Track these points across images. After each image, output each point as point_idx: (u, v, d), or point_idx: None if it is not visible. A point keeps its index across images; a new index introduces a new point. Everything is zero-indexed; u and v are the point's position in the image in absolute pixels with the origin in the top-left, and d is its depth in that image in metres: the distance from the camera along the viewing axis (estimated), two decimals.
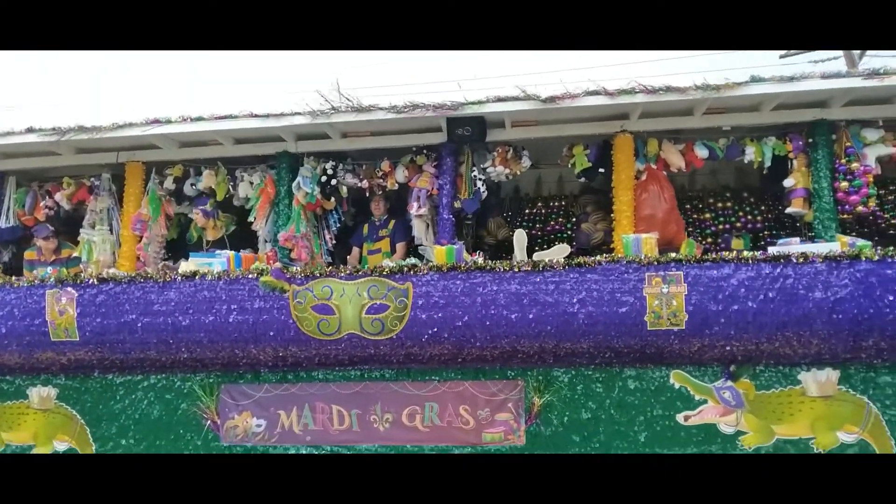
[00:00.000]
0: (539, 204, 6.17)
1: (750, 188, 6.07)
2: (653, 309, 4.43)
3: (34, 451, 5.38)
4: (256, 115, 4.98)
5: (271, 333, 4.79)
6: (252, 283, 4.83)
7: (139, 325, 4.90)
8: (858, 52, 13.18)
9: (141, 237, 5.53)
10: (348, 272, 4.76)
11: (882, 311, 4.25)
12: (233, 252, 5.12)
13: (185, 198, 5.74)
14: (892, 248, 4.31)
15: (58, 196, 5.73)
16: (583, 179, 5.37)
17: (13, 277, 5.20)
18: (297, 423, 5.09)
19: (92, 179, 5.70)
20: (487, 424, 4.90)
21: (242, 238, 5.81)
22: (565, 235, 6.04)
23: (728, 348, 4.50)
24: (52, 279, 5.04)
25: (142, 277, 4.95)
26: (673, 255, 4.54)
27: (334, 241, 5.65)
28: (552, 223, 6.03)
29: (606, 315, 4.47)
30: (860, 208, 4.82)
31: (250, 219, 5.47)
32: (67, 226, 6.04)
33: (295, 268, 4.87)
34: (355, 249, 5.67)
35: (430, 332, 4.63)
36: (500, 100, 4.73)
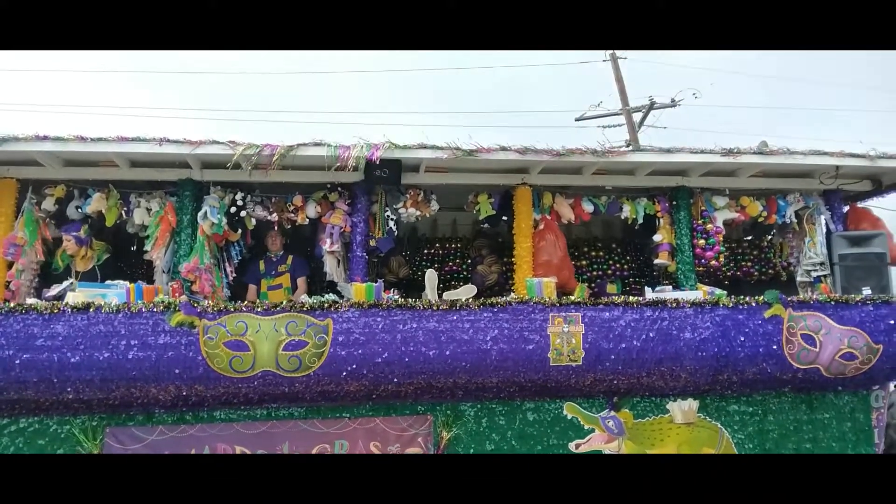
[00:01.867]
0: (437, 245, 6.48)
1: (616, 240, 6.90)
2: (555, 346, 4.89)
3: None
4: (169, 141, 4.75)
5: (177, 371, 4.52)
6: (157, 317, 4.54)
7: (17, 361, 4.37)
8: (639, 119, 15.61)
9: (12, 263, 4.93)
10: (265, 307, 4.67)
11: (735, 350, 5.10)
12: (132, 283, 4.76)
13: (66, 221, 5.23)
14: (742, 296, 5.20)
15: None
16: (486, 225, 5.78)
17: None
18: None
19: None
20: None
21: (115, 269, 5.42)
22: (462, 276, 6.39)
23: (615, 381, 5.09)
24: None
25: (22, 308, 4.43)
26: (573, 297, 5.07)
27: (234, 275, 5.47)
28: (450, 264, 6.35)
29: (515, 352, 4.85)
30: (713, 262, 5.75)
31: (147, 247, 5.13)
32: None
33: (206, 302, 4.66)
34: (251, 287, 5.55)
35: (349, 368, 4.68)
36: (423, 147, 4.99)
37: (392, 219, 5.46)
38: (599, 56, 16.10)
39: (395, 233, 5.47)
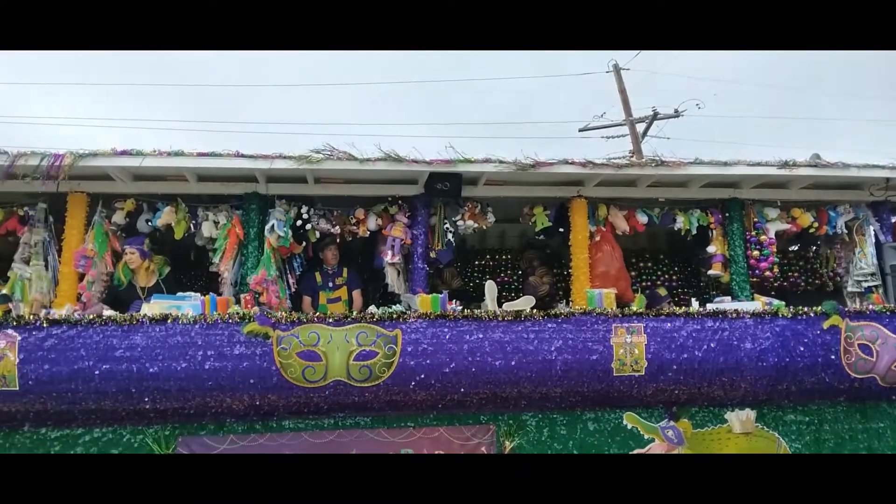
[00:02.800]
0: (487, 256, 6.57)
1: (662, 251, 6.97)
2: (618, 357, 4.96)
3: None
4: (243, 156, 4.87)
5: (251, 381, 4.61)
6: (232, 328, 4.63)
7: (96, 372, 4.47)
8: (643, 129, 15.74)
9: (83, 275, 5.04)
10: (336, 318, 4.76)
11: (795, 360, 5.15)
12: (208, 294, 4.86)
13: (135, 234, 5.35)
14: (800, 307, 5.25)
15: None
16: (541, 237, 5.86)
17: None
18: None
19: (25, 209, 5.12)
20: None
21: (177, 282, 5.53)
22: (513, 287, 6.47)
23: (676, 392, 5.14)
24: None
25: (101, 320, 4.53)
26: (634, 308, 5.14)
27: (296, 286, 5.57)
28: (501, 275, 6.43)
29: (579, 362, 4.92)
30: (767, 273, 5.81)
31: (215, 260, 5.23)
32: None
33: (279, 313, 4.76)
34: (306, 298, 5.64)
35: (417, 378, 4.76)
36: (487, 160, 5.09)
37: (450, 231, 5.55)
38: (602, 67, 16.26)
39: (453, 244, 5.56)
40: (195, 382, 4.56)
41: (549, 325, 4.94)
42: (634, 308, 5.21)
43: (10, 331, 4.43)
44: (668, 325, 5.07)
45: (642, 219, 5.83)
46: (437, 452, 5.06)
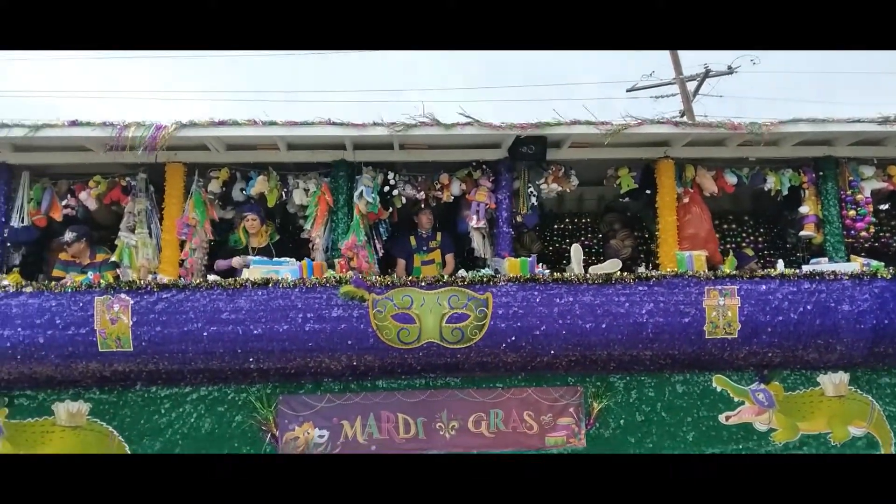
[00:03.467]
0: (566, 220, 6.53)
1: (747, 212, 6.79)
2: (711, 319, 4.91)
3: None
4: (334, 123, 4.95)
5: (349, 342, 4.77)
6: (330, 292, 4.78)
7: (205, 334, 4.69)
8: (693, 88, 15.09)
9: (183, 242, 5.26)
10: (428, 282, 4.85)
11: (893, 322, 5.00)
12: (305, 259, 5.02)
13: (229, 202, 5.53)
14: None
15: (83, 195, 5.30)
16: (626, 199, 5.79)
17: (53, 283, 4.78)
18: (362, 433, 5.07)
19: (127, 179, 5.34)
20: (550, 429, 5.16)
21: (279, 247, 5.68)
22: (594, 251, 6.44)
23: (769, 355, 5.08)
24: (101, 284, 4.69)
25: (207, 284, 4.74)
26: (726, 270, 5.07)
27: (383, 251, 5.68)
28: (582, 238, 6.40)
29: (671, 325, 4.90)
30: (863, 233, 5.61)
31: (307, 226, 5.37)
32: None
33: (374, 276, 4.88)
34: (400, 261, 5.72)
35: (508, 340, 4.83)
36: (576, 122, 5.04)
37: (534, 194, 5.54)
38: None
39: (538, 208, 5.55)
40: (296, 344, 4.74)
41: (640, 288, 4.92)
42: (726, 270, 5.14)
43: (123, 295, 4.68)
44: (763, 287, 4.98)
45: (731, 179, 5.69)
46: (526, 413, 5.16)
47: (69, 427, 4.97)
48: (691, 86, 15.18)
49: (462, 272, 5.04)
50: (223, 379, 4.99)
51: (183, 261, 5.25)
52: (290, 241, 5.93)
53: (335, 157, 5.43)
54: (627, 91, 16.36)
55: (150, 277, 4.99)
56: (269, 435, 5.00)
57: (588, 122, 5.05)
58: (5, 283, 4.71)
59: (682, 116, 14.48)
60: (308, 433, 5.04)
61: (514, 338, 4.82)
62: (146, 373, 4.86)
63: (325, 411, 5.08)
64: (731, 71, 15.07)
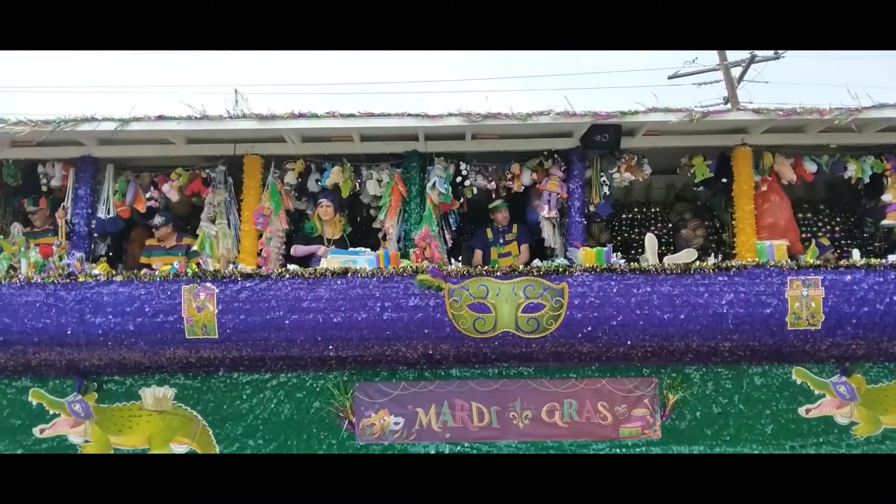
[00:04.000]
0: (634, 209, 6.46)
1: (822, 201, 6.60)
2: (793, 310, 4.80)
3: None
4: (411, 115, 4.99)
5: (426, 331, 4.82)
6: (407, 281, 4.84)
7: (286, 322, 4.80)
8: (738, 74, 14.55)
9: (261, 232, 5.38)
10: (504, 272, 4.87)
11: None
12: (382, 249, 5.10)
13: (305, 194, 5.63)
14: None
15: (165, 187, 5.47)
16: (700, 188, 5.69)
17: (142, 272, 4.95)
18: (436, 421, 5.13)
19: (207, 171, 5.49)
20: (625, 420, 5.13)
21: (351, 238, 5.76)
22: (664, 240, 6.34)
23: (853, 346, 4.94)
24: (188, 274, 4.85)
25: (289, 273, 4.85)
26: (808, 260, 4.94)
27: (452, 241, 5.71)
28: (652, 228, 6.32)
29: (752, 316, 4.80)
30: None
31: (381, 217, 5.44)
32: None
33: (450, 266, 4.92)
34: (477, 252, 5.73)
35: (584, 330, 4.81)
36: (654, 110, 4.97)
37: (606, 184, 5.49)
38: None
39: (610, 198, 5.51)
40: (374, 332, 4.82)
41: (720, 279, 4.84)
42: (808, 260, 5.01)
43: (208, 284, 4.82)
44: (848, 277, 4.84)
45: (810, 167, 5.54)
46: (599, 404, 5.14)
47: (155, 411, 5.16)
48: (735, 72, 14.79)
49: (537, 262, 5.04)
50: (302, 366, 5.10)
51: (260, 250, 5.38)
52: (359, 232, 6.01)
53: (407, 148, 5.48)
54: (669, 78, 16.04)
55: (230, 267, 5.12)
56: (346, 422, 5.10)
57: (667, 110, 4.97)
58: (96, 272, 4.90)
59: (725, 103, 14.13)
60: (384, 420, 5.13)
61: (590, 328, 4.81)
62: (229, 359, 5.00)
63: (400, 399, 5.16)
64: (777, 56, 14.60)
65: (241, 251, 5.37)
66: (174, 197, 5.50)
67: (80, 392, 5.10)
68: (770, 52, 14.45)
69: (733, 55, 14.46)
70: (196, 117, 4.92)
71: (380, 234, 5.79)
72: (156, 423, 5.15)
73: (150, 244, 5.57)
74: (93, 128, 5.03)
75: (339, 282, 4.84)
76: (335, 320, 4.80)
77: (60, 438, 5.15)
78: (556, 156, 5.50)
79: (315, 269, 4.87)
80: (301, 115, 4.97)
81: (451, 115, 5.00)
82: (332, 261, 5.03)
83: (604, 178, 5.48)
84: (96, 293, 4.83)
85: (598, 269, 4.86)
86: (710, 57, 15.04)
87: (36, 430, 5.15)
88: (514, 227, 5.68)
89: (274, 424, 5.11)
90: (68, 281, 4.83)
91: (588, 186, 5.51)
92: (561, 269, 4.86)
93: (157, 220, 5.46)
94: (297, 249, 5.49)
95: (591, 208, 5.44)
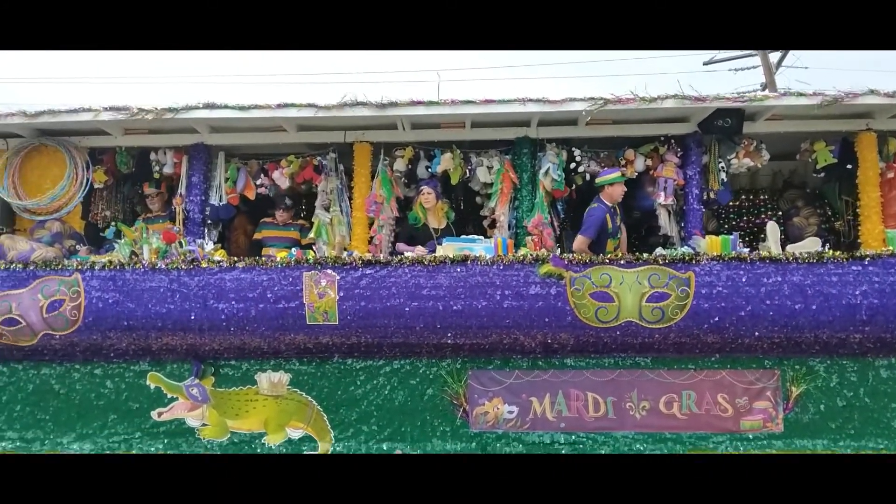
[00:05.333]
0: (742, 197, 6.28)
1: None
2: None
3: (265, 440, 5.19)
4: (529, 100, 4.91)
5: (546, 320, 4.76)
6: (527, 269, 4.77)
7: (406, 309, 4.79)
8: (777, 59, 13.98)
9: (372, 219, 5.37)
10: (627, 260, 4.77)
11: None
12: (499, 237, 5.04)
13: (413, 181, 5.59)
14: None
15: (275, 174, 5.49)
16: (821, 174, 5.50)
17: (263, 258, 4.98)
18: (551, 410, 5.08)
19: (318, 159, 5.49)
20: (746, 412, 5.00)
21: (456, 227, 5.71)
22: None
23: None
24: (309, 260, 4.86)
25: (409, 261, 4.82)
26: None
27: (560, 229, 5.62)
28: (763, 216, 6.14)
29: (886, 307, 4.62)
30: None
31: (491, 204, 5.38)
32: (271, 207, 5.85)
33: (570, 254, 4.84)
34: (580, 238, 5.57)
35: (711, 321, 4.69)
36: (787, 93, 4.81)
37: (724, 170, 5.33)
38: None
39: (729, 185, 5.35)
40: (494, 320, 4.77)
41: (854, 268, 4.66)
42: None
43: (329, 270, 4.83)
44: None
45: None
46: (720, 396, 5.02)
47: (271, 396, 5.21)
48: (774, 57, 14.29)
49: (660, 250, 4.92)
50: (416, 353, 5.09)
51: (372, 237, 5.37)
52: (462, 220, 5.96)
53: (518, 134, 5.39)
54: (705, 64, 15.64)
55: (344, 254, 5.12)
56: (460, 409, 5.08)
57: (800, 94, 4.79)
58: (218, 258, 4.94)
59: (763, 90, 13.68)
60: (497, 408, 5.09)
61: (717, 318, 4.68)
62: (347, 346, 5.02)
63: (514, 387, 5.12)
64: None
65: (353, 238, 5.37)
66: (284, 184, 5.51)
67: (197, 376, 5.17)
68: None
69: None
70: (317, 105, 4.90)
71: (485, 223, 5.75)
72: (271, 407, 5.20)
73: (265, 220, 5.66)
74: (213, 115, 5.06)
75: (459, 269, 4.80)
76: (455, 308, 4.77)
77: (178, 422, 5.23)
78: (672, 141, 5.36)
79: (434, 257, 4.84)
80: (418, 103, 4.92)
81: (572, 99, 4.90)
82: (447, 248, 4.99)
83: (721, 164, 5.33)
84: (219, 279, 4.87)
85: (725, 258, 4.73)
86: None
87: (154, 414, 5.24)
88: (617, 206, 5.44)
89: (388, 411, 5.12)
90: (192, 267, 4.88)
91: (705, 172, 5.36)
92: (687, 258, 4.73)
93: (287, 201, 5.61)
94: (400, 247, 5.44)
95: (711, 195, 5.29)
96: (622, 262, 4.76)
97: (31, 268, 4.96)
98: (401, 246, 5.42)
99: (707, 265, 4.72)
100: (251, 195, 5.61)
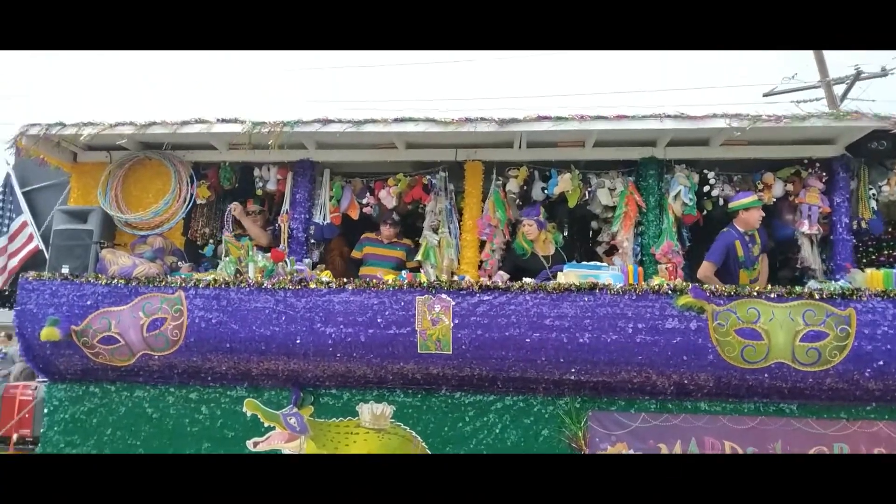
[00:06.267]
0: (890, 229, 5.70)
1: None
2: None
3: None
4: (657, 116, 4.53)
5: (684, 358, 4.30)
6: (663, 301, 4.33)
7: (527, 340, 4.40)
8: (842, 92, 13.16)
9: (483, 242, 5.03)
10: (777, 294, 4.28)
11: None
12: (631, 264, 4.63)
13: (527, 202, 5.25)
14: None
15: (382, 193, 5.23)
16: None
17: (374, 280, 4.68)
18: None
19: (428, 177, 5.21)
20: None
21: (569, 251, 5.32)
22: None
23: None
24: (421, 284, 4.53)
25: (530, 287, 4.44)
26: None
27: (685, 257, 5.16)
28: None
29: None
30: None
31: (613, 229, 4.97)
32: (371, 228, 5.58)
33: (712, 287, 4.38)
34: (706, 264, 5.08)
35: (875, 365, 4.15)
36: None
37: (874, 197, 4.82)
38: None
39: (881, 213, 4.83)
40: (625, 356, 4.34)
41: None
42: None
43: (444, 295, 4.48)
44: None
45: None
46: (876, 450, 4.43)
47: (373, 429, 4.85)
48: (838, 89, 13.53)
49: (813, 283, 4.42)
50: (531, 389, 4.68)
51: (482, 262, 5.02)
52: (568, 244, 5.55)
53: (643, 154, 5.01)
54: (765, 95, 14.92)
55: (455, 279, 4.78)
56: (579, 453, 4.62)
57: None
58: (325, 278, 4.67)
59: None
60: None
61: (882, 362, 4.14)
62: (458, 377, 4.64)
63: (640, 432, 4.63)
64: (884, 73, 13.22)
65: (462, 262, 5.04)
66: (390, 203, 5.24)
67: (296, 405, 4.87)
68: (876, 69, 13.21)
69: (836, 71, 13.30)
70: (435, 120, 4.63)
71: (598, 249, 5.35)
72: (373, 441, 4.84)
73: (367, 236, 5.39)
74: (327, 129, 4.83)
75: (586, 298, 4.39)
76: (581, 341, 4.35)
77: (274, 453, 4.92)
78: (816, 165, 4.88)
79: (559, 284, 4.44)
80: (544, 118, 4.59)
81: (714, 115, 4.49)
82: (569, 275, 4.60)
83: (872, 191, 4.81)
84: (327, 301, 4.58)
85: (891, 294, 4.19)
86: (809, 73, 13.91)
87: (249, 443, 4.94)
88: (756, 234, 4.95)
89: (499, 452, 4.69)
90: (300, 287, 4.61)
91: (853, 200, 4.85)
92: (847, 293, 4.22)
93: (395, 216, 5.34)
94: (499, 277, 5.05)
95: (863, 224, 4.77)
96: (772, 295, 4.27)
97: (134, 284, 4.78)
98: (501, 275, 5.02)
99: (870, 302, 4.19)
100: (354, 215, 5.36)
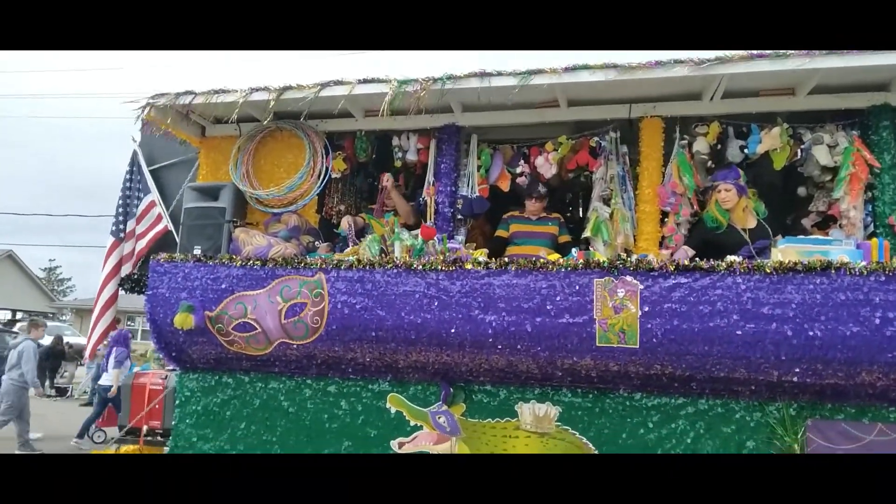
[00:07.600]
0: None
1: None
2: None
3: None
4: None
5: None
6: None
7: (738, 332, 3.55)
8: None
9: (665, 214, 4.21)
10: None
11: None
12: (875, 238, 3.69)
13: (723, 164, 4.35)
14: None
15: (538, 160, 4.51)
16: None
17: (542, 260, 3.97)
18: None
19: (596, 139, 4.44)
20: None
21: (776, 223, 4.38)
22: None
23: None
24: (603, 264, 3.77)
25: (743, 267, 3.58)
26: None
27: None
28: None
29: None
30: None
31: (837, 194, 4.01)
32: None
33: None
34: None
35: None
36: None
37: None
38: None
39: None
40: (870, 353, 3.42)
41: None
42: None
43: (629, 278, 3.71)
44: None
45: None
46: None
47: (535, 433, 4.18)
48: None
49: None
50: (733, 391, 3.84)
51: (664, 237, 4.20)
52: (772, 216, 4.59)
53: (872, 101, 4.00)
54: None
55: (633, 258, 3.99)
56: None
57: None
58: (482, 258, 4.01)
59: None
60: None
61: None
62: (642, 376, 3.87)
63: (875, 446, 3.68)
64: None
65: (640, 238, 4.24)
66: (549, 172, 4.52)
67: (445, 402, 4.28)
68: None
69: None
70: (617, 65, 3.83)
71: (805, 221, 4.39)
72: (535, 446, 4.17)
73: (511, 214, 4.67)
74: (486, 85, 4.13)
75: (818, 280, 3.49)
76: (811, 334, 3.46)
77: (431, 455, 4.35)
78: None
79: (779, 263, 3.56)
80: (760, 56, 3.67)
81: None
82: (788, 251, 3.70)
83: None
84: (486, 284, 3.93)
85: None
86: None
87: (394, 444, 4.40)
88: None
89: None
90: (454, 269, 3.98)
91: None
92: None
93: (541, 189, 4.54)
94: (681, 254, 4.18)
95: None
96: None
97: (270, 265, 4.33)
98: (685, 251, 4.17)
99: None
100: (505, 186, 4.68)
